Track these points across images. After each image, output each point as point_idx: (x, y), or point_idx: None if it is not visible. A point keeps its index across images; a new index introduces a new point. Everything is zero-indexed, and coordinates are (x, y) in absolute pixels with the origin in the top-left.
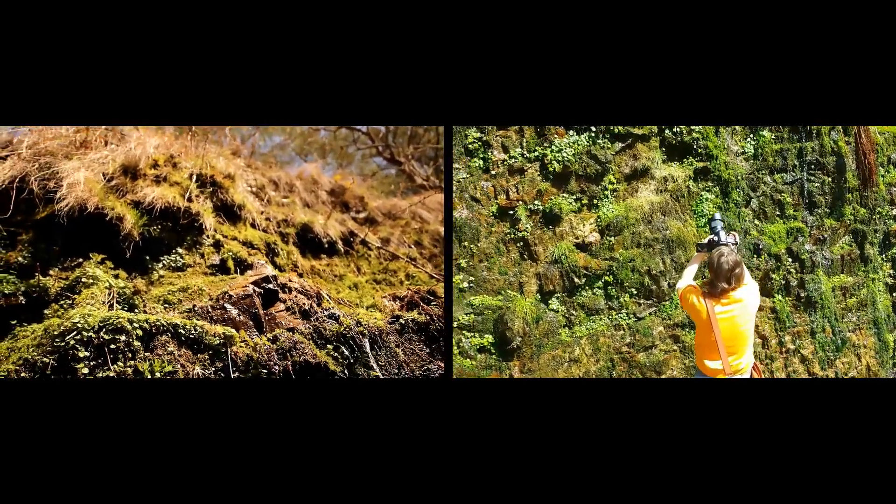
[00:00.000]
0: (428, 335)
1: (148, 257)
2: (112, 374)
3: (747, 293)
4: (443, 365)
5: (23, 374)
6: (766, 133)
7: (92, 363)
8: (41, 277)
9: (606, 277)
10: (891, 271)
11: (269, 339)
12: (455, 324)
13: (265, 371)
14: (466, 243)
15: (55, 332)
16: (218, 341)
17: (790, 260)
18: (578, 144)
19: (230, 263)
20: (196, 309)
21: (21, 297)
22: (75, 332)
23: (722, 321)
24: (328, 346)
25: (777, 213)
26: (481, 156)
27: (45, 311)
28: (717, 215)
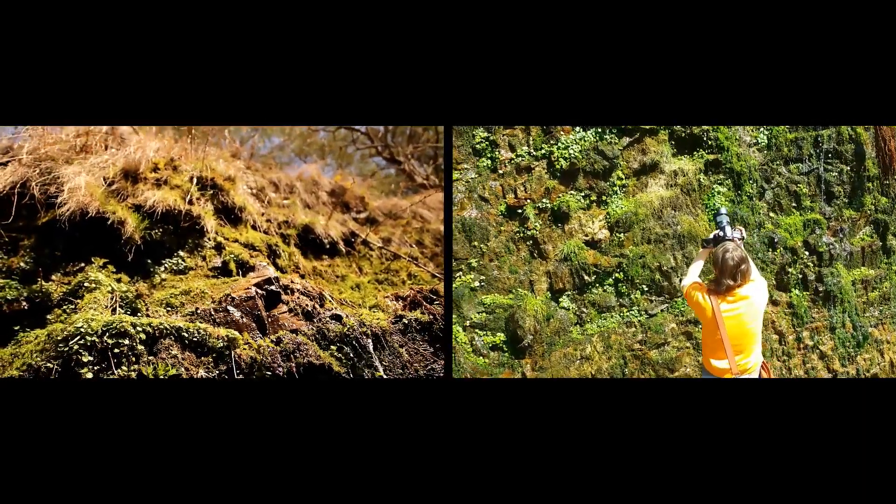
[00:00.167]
0: (431, 335)
1: (150, 261)
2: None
3: (754, 290)
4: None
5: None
6: None
7: (96, 368)
8: (43, 283)
9: (617, 274)
10: None
11: (272, 341)
12: (468, 322)
13: (269, 373)
14: (476, 243)
15: (58, 338)
16: (221, 344)
17: (807, 253)
18: (585, 141)
19: (232, 266)
20: (199, 312)
21: (24, 303)
22: (79, 337)
23: (728, 319)
24: (332, 347)
25: (793, 204)
26: (489, 155)
27: (48, 317)
28: (723, 210)
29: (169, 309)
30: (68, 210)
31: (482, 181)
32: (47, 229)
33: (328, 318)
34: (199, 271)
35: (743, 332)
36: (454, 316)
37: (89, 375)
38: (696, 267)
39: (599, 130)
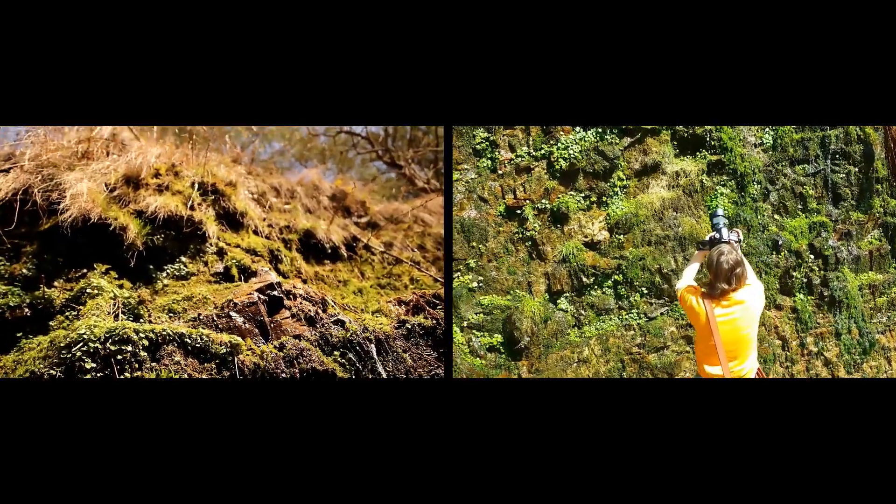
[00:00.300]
0: (435, 339)
1: (152, 266)
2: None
3: (750, 294)
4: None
5: None
6: None
7: (99, 374)
8: (46, 289)
9: (616, 276)
10: None
11: (275, 347)
12: (465, 323)
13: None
14: (475, 243)
15: (61, 344)
16: (224, 350)
17: (812, 256)
18: (585, 141)
19: (234, 271)
20: (201, 318)
21: (26, 310)
22: (81, 344)
23: (722, 324)
24: (335, 352)
25: (798, 206)
26: (489, 155)
27: (51, 323)
28: (719, 210)
29: (171, 315)
30: (70, 216)
31: (482, 181)
32: (49, 235)
33: (331, 324)
34: (201, 277)
35: (737, 337)
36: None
37: None
38: (692, 270)
39: (600, 130)
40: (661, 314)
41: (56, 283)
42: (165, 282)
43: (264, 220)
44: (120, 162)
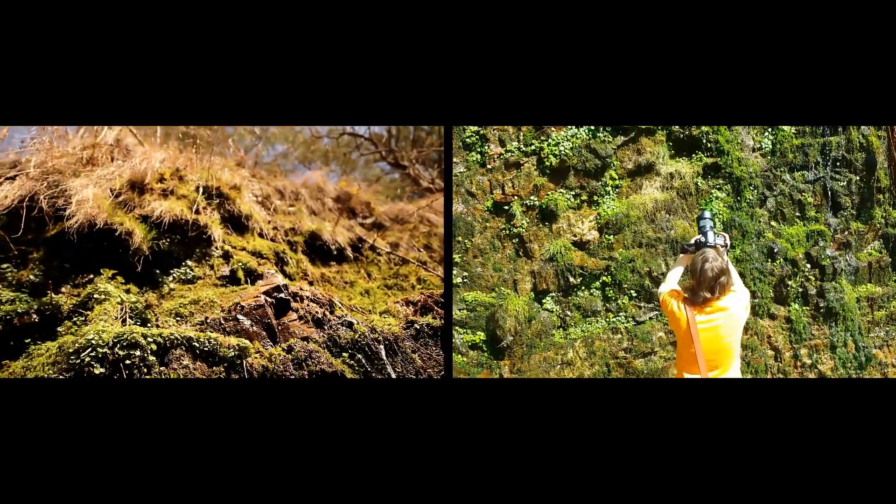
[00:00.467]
0: None
1: (158, 271)
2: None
3: (734, 301)
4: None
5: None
6: (785, 127)
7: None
8: (53, 295)
9: (604, 278)
10: None
11: (284, 350)
12: None
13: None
14: (461, 238)
15: (70, 350)
16: (233, 353)
17: (809, 266)
18: (577, 138)
19: (240, 274)
20: (208, 321)
21: (34, 316)
22: (90, 349)
23: (703, 332)
24: (343, 354)
25: (796, 214)
26: (479, 150)
27: (59, 329)
28: (707, 213)
29: (178, 319)
30: (76, 222)
31: (470, 175)
32: (56, 242)
33: (339, 325)
34: (207, 280)
35: (719, 346)
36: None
37: None
38: (675, 273)
39: (593, 128)
40: (650, 318)
41: (63, 289)
42: (172, 286)
43: (269, 222)
44: (125, 167)
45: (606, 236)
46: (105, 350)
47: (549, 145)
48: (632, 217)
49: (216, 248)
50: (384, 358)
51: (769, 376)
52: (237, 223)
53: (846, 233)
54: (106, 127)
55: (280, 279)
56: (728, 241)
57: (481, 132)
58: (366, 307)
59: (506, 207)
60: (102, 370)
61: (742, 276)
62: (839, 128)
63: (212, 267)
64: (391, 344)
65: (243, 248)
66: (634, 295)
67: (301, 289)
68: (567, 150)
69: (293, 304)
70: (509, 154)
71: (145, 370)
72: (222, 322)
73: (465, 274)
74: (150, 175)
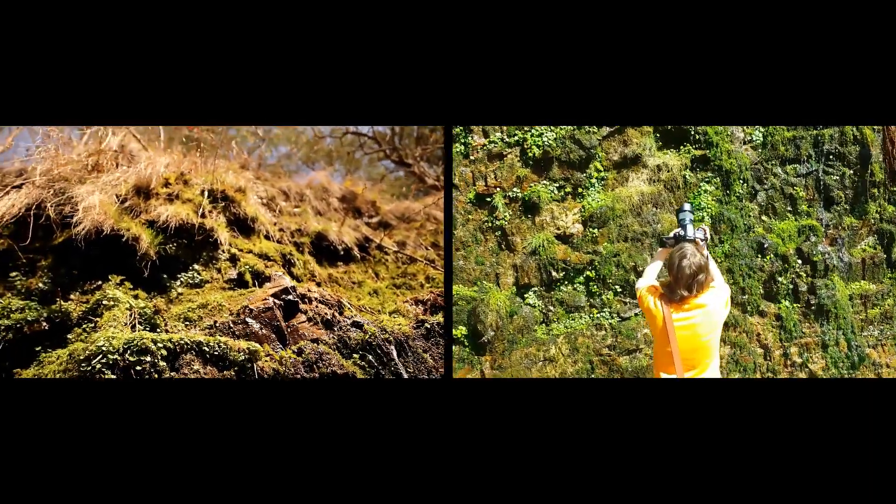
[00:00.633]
0: None
1: (165, 275)
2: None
3: (713, 297)
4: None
5: None
6: None
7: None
8: (62, 302)
9: (588, 272)
10: None
11: (294, 352)
12: None
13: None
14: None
15: (80, 357)
16: (243, 357)
17: (800, 262)
18: (561, 129)
19: (247, 277)
20: (217, 325)
21: (44, 323)
22: (101, 356)
23: (680, 329)
24: (354, 355)
25: (787, 208)
26: (462, 140)
27: (69, 336)
28: (686, 206)
29: (187, 323)
30: (83, 229)
31: (453, 166)
32: (63, 249)
33: (349, 326)
34: (214, 284)
35: (696, 345)
36: None
37: None
38: (654, 268)
39: None
40: (635, 315)
41: (72, 296)
42: (180, 290)
43: (275, 224)
44: (130, 173)
45: (591, 230)
46: (116, 356)
47: (532, 136)
48: (617, 210)
49: (223, 251)
50: (395, 358)
51: (758, 376)
52: (243, 226)
53: (839, 228)
54: (110, 133)
55: (288, 281)
56: (708, 235)
57: None
58: (375, 307)
59: (488, 199)
60: (113, 376)
61: (731, 272)
62: None
63: (219, 270)
64: (402, 344)
65: (250, 251)
66: (619, 290)
67: (309, 290)
68: (551, 141)
69: (302, 306)
70: (492, 145)
71: (156, 375)
72: (231, 325)
73: None
74: (155, 180)
